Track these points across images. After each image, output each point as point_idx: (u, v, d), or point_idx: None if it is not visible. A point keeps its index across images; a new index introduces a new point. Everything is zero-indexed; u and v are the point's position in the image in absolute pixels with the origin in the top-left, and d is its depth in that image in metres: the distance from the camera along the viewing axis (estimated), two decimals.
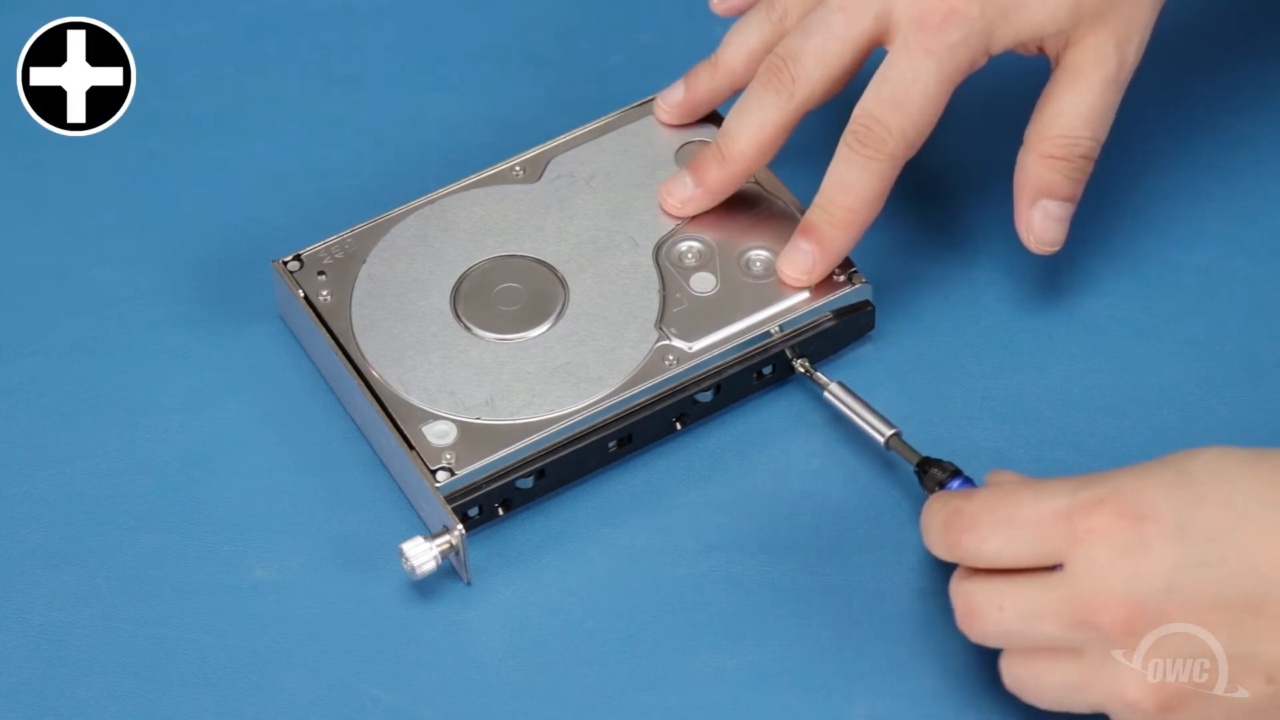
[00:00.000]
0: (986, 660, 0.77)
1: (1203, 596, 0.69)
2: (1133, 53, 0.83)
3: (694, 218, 0.87)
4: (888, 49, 0.83)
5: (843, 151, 0.83)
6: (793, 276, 0.85)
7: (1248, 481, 0.70)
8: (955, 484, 0.79)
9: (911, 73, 0.82)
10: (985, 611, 0.72)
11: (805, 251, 0.84)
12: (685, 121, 0.90)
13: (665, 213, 0.87)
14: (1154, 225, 0.90)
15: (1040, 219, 0.84)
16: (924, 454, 0.81)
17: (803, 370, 0.85)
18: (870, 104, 0.82)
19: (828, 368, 0.86)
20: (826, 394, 0.84)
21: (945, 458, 0.81)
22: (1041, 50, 0.84)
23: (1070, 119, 0.83)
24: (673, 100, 0.89)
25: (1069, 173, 0.83)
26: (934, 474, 0.80)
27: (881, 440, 0.82)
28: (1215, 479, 0.70)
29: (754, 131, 0.85)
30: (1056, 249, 0.85)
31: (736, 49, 0.87)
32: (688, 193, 0.86)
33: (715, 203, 0.87)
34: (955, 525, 0.73)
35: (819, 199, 0.84)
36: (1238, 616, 0.69)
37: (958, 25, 0.81)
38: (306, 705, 0.78)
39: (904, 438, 0.82)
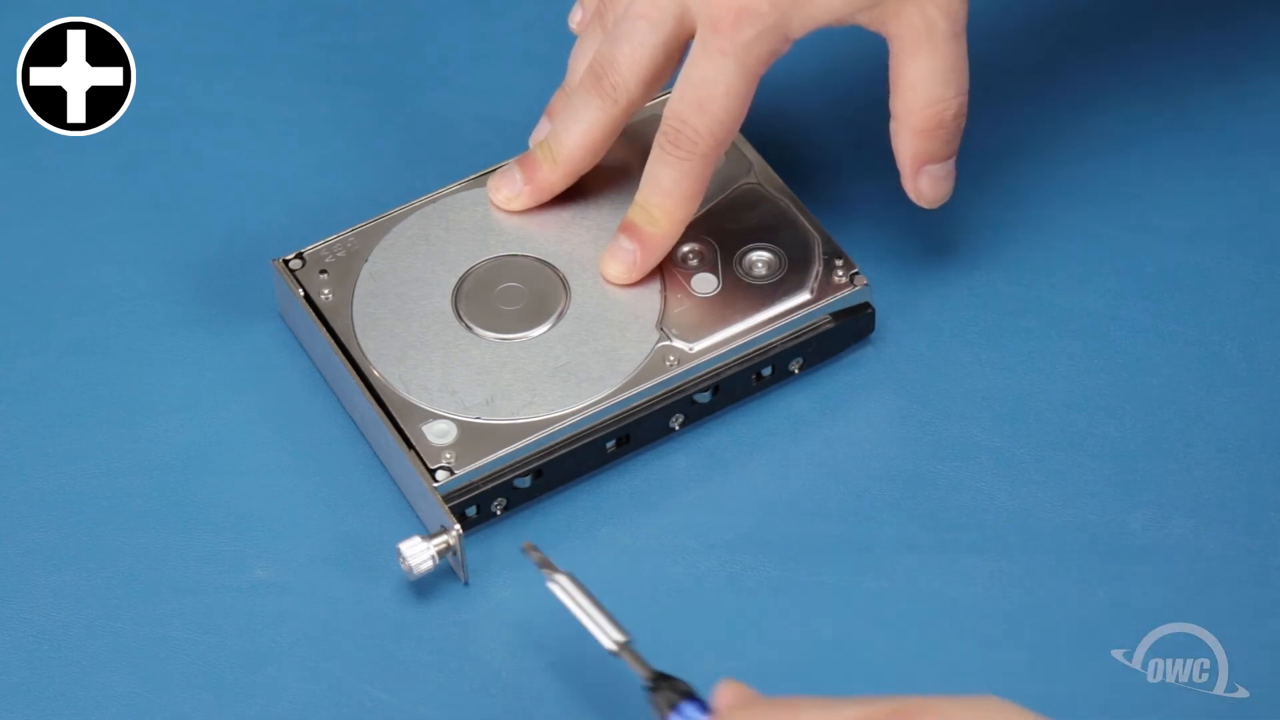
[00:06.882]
0: (991, 653, 0.77)
1: None
2: (957, 2, 0.82)
3: (695, 220, 0.87)
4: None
5: (656, 153, 0.84)
6: (616, 273, 0.86)
7: None
8: (689, 709, 0.70)
9: (711, 74, 0.82)
10: None
11: (628, 249, 0.85)
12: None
13: (493, 205, 0.88)
14: (1154, 225, 0.90)
15: (928, 184, 0.85)
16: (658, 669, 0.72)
17: (527, 550, 0.77)
18: (677, 106, 0.83)
19: (828, 369, 0.86)
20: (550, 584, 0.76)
21: (944, 459, 0.81)
22: (860, 25, 0.83)
23: (929, 88, 0.82)
24: (538, 137, 0.89)
25: (945, 138, 0.84)
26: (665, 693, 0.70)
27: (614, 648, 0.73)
28: None
29: (581, 135, 0.86)
30: (947, 199, 0.86)
31: (578, 71, 0.88)
32: (516, 189, 0.88)
33: (542, 200, 0.88)
34: None
35: (639, 198, 0.85)
36: None
37: (749, 23, 0.81)
38: (306, 705, 0.78)
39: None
